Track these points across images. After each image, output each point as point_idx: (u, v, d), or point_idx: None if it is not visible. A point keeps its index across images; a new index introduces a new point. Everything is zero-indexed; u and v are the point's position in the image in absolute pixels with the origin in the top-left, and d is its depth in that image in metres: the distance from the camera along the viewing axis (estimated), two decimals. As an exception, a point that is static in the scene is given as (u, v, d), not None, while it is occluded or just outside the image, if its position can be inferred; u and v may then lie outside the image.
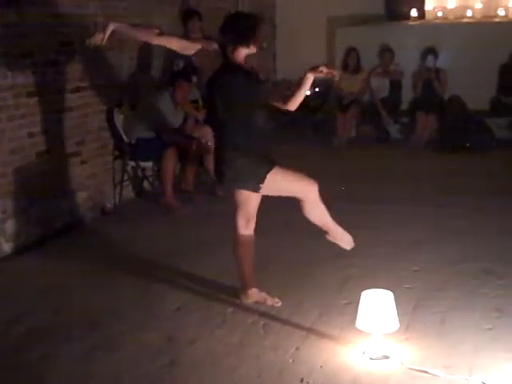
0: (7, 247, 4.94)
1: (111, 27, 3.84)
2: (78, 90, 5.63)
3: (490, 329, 3.50)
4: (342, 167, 7.38)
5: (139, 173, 6.51)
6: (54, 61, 5.33)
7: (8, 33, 4.86)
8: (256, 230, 5.18)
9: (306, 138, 8.91)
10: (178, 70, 6.68)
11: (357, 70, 8.76)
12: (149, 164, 6.35)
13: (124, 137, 6.15)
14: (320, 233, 5.11)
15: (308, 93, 9.66)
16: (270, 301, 3.92)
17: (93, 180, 5.90)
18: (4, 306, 4.06)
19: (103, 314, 3.88)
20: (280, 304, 3.90)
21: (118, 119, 6.13)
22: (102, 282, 4.37)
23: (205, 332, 3.63)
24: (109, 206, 6.09)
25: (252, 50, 3.71)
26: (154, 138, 6.12)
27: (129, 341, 3.55)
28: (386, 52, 8.70)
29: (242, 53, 3.69)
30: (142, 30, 4.24)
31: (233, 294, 4.05)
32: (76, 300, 4.13)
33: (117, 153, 6.22)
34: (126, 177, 6.34)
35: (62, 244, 5.18)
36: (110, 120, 6.10)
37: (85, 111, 5.76)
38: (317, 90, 9.19)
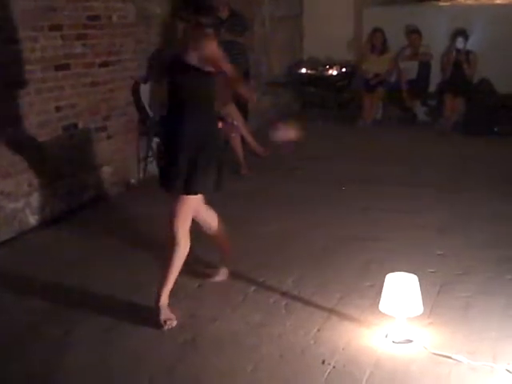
0: (32, 220, 4.98)
1: None
2: (105, 64, 5.64)
3: (514, 316, 3.46)
4: (367, 149, 7.33)
5: (164, 149, 6.50)
6: (81, 35, 5.33)
7: (37, 6, 4.86)
8: (279, 211, 5.21)
9: (332, 117, 8.85)
10: None
11: (383, 50, 8.65)
12: (174, 141, 6.34)
13: (150, 113, 6.14)
14: (344, 214, 5.13)
15: (335, 73, 9.64)
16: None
17: (118, 155, 5.92)
18: (28, 279, 4.10)
19: (126, 289, 3.90)
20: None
21: (144, 95, 6.13)
22: (124, 257, 4.40)
23: (226, 310, 3.63)
24: (133, 181, 6.12)
25: None
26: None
27: (151, 317, 3.56)
28: (412, 33, 8.57)
29: None
30: None
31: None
32: (99, 274, 4.15)
33: (142, 128, 6.23)
34: (150, 153, 6.35)
35: (86, 218, 5.22)
36: (136, 95, 6.10)
37: (111, 86, 5.77)
38: (343, 70, 9.13)
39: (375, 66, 8.61)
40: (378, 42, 8.63)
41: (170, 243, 3.46)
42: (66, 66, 5.18)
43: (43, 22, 4.94)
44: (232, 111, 6.51)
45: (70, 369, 3.12)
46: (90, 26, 5.41)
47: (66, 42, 5.17)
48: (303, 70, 9.29)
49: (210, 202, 3.78)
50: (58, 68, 5.10)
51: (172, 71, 3.45)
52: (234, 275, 4.06)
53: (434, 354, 3.12)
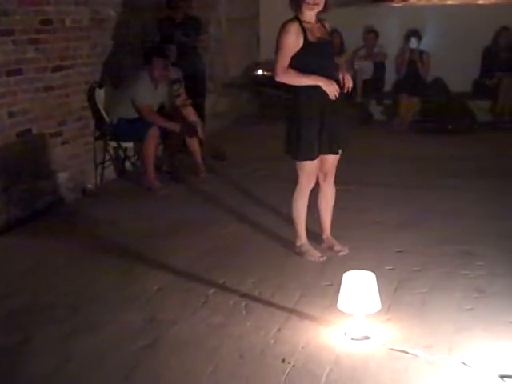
0: (-13, 228, 4.89)
1: None
2: (59, 69, 5.56)
3: (469, 309, 3.53)
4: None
5: (121, 153, 6.46)
6: (34, 39, 5.24)
7: (-13, 10, 4.78)
8: (239, 212, 5.22)
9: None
10: (152, 46, 6.52)
11: (341, 52, 8.72)
12: (130, 144, 6.30)
13: (105, 117, 6.09)
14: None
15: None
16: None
17: (74, 160, 5.85)
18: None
19: (84, 295, 3.87)
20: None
21: (99, 99, 6.07)
22: (83, 263, 4.35)
23: (186, 313, 3.62)
24: (90, 186, 6.06)
25: None
26: (135, 119, 6.05)
27: (110, 322, 3.53)
28: (369, 33, 8.69)
29: None
30: None
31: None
32: (56, 281, 4.10)
33: (98, 133, 6.16)
34: (107, 157, 6.29)
35: (42, 225, 5.14)
36: (91, 100, 6.04)
37: (66, 91, 5.70)
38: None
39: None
40: (335, 44, 8.68)
41: (330, 186, 4.42)
42: (18, 71, 5.09)
43: (-6, 27, 4.86)
44: (190, 113, 6.51)
45: (26, 378, 3.06)
46: (42, 31, 5.33)
47: (18, 46, 5.08)
48: (260, 72, 9.32)
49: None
50: (9, 73, 5.00)
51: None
52: (192, 278, 4.06)
53: (392, 349, 3.16)
